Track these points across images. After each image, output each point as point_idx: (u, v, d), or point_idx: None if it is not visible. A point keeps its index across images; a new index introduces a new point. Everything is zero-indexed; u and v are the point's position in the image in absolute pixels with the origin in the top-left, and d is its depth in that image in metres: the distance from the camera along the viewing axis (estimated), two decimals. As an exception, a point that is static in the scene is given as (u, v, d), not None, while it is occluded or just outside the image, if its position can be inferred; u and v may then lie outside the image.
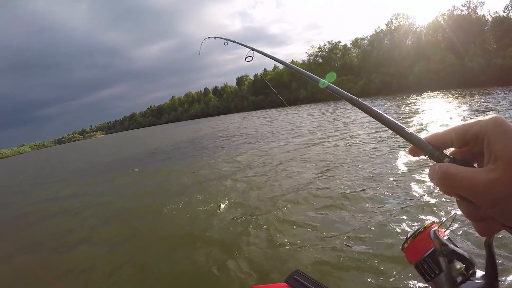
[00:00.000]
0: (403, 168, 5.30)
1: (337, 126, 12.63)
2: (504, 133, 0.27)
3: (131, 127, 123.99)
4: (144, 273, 3.34)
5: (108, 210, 6.17)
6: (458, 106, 13.46)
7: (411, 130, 0.40)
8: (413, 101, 19.33)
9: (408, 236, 0.53)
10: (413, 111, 14.00)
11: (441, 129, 0.36)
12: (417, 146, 0.37)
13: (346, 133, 10.22)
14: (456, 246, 0.48)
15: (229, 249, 3.48)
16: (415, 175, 4.79)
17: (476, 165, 0.35)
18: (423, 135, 0.39)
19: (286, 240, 3.46)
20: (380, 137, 8.33)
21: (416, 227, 0.55)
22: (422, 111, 13.54)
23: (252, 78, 60.50)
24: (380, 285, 2.47)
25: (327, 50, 43.36)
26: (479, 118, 0.31)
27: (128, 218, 5.42)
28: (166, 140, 22.04)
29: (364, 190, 4.60)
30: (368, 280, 2.55)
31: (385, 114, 0.43)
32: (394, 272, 2.55)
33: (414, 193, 4.14)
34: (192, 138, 19.11)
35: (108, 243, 4.36)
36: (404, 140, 0.41)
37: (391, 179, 4.85)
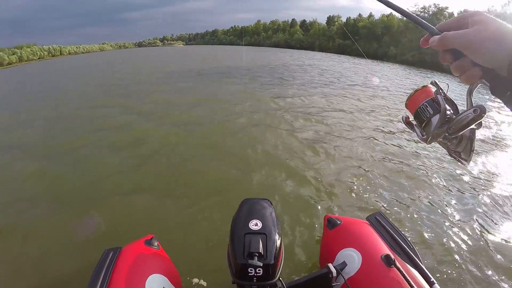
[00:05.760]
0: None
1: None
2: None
3: (210, 43, 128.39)
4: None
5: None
6: None
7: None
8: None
9: (409, 95, 0.62)
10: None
11: None
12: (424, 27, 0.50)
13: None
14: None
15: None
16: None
17: None
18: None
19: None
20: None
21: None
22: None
23: (344, 20, 59.97)
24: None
25: (430, 13, 39.28)
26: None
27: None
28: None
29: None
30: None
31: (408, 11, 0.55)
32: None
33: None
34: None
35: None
36: None
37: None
